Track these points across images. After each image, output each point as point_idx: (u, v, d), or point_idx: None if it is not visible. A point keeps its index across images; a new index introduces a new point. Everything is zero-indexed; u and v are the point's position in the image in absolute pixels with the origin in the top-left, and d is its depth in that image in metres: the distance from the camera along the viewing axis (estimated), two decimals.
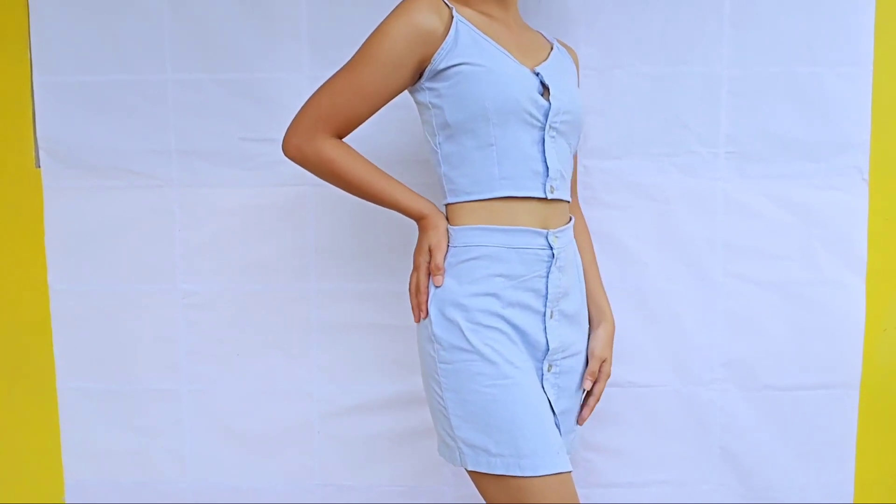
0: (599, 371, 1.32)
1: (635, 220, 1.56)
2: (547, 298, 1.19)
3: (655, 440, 1.60)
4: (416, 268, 1.21)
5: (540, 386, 1.19)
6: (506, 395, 1.12)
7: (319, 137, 1.17)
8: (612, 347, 1.35)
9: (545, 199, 1.19)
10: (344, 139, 1.22)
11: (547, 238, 1.19)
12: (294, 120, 1.19)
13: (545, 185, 1.19)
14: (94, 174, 1.59)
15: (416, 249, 1.22)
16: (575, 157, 1.37)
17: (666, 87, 1.53)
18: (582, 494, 1.60)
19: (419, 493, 1.64)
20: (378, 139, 1.43)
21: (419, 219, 1.21)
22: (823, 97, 1.52)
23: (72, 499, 1.68)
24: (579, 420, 1.32)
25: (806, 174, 1.54)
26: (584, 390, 1.31)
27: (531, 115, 1.15)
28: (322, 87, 1.18)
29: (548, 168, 1.18)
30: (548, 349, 1.19)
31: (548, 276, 1.19)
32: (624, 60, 1.53)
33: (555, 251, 1.19)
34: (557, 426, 1.20)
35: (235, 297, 1.61)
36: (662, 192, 1.56)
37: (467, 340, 1.13)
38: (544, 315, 1.19)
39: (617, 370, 1.44)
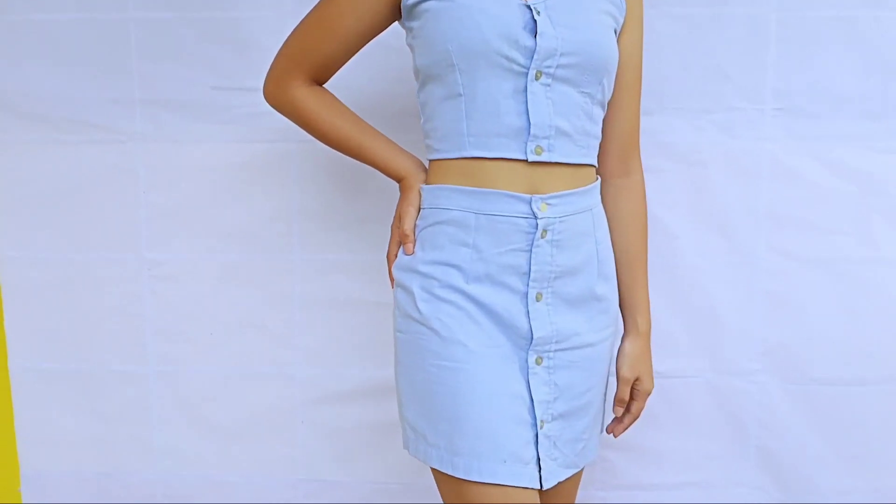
0: (633, 391, 1.22)
1: (666, 186, 1.50)
2: (530, 277, 1.08)
3: (684, 437, 1.58)
4: (391, 235, 1.21)
5: (514, 378, 1.08)
6: (451, 380, 1.06)
7: (293, 83, 1.17)
8: (647, 363, 1.23)
9: (528, 161, 1.07)
10: (325, 85, 1.20)
11: (531, 205, 1.06)
12: (270, 66, 1.20)
13: (527, 144, 1.06)
14: (47, 127, 1.55)
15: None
16: (632, 114, 1.23)
17: (704, 33, 1.48)
18: (601, 497, 1.63)
19: (414, 490, 1.61)
20: (369, 88, 1.43)
21: (397, 180, 1.18)
22: (886, 46, 1.46)
23: (28, 490, 1.66)
24: (609, 430, 1.24)
25: (864, 135, 1.49)
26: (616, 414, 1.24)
27: (508, 58, 1.03)
28: (294, 29, 1.18)
29: (530, 124, 1.05)
30: (532, 337, 1.08)
31: (531, 251, 1.07)
32: (656, 0, 1.43)
33: (540, 221, 1.07)
34: (537, 433, 1.09)
35: (208, 269, 1.59)
36: (698, 154, 1.51)
37: (418, 310, 1.09)
38: (526, 296, 1.08)
39: None
